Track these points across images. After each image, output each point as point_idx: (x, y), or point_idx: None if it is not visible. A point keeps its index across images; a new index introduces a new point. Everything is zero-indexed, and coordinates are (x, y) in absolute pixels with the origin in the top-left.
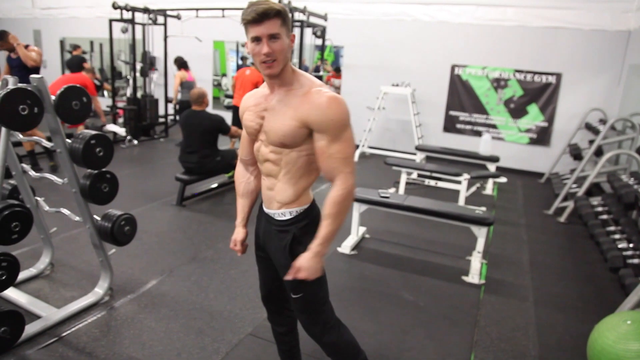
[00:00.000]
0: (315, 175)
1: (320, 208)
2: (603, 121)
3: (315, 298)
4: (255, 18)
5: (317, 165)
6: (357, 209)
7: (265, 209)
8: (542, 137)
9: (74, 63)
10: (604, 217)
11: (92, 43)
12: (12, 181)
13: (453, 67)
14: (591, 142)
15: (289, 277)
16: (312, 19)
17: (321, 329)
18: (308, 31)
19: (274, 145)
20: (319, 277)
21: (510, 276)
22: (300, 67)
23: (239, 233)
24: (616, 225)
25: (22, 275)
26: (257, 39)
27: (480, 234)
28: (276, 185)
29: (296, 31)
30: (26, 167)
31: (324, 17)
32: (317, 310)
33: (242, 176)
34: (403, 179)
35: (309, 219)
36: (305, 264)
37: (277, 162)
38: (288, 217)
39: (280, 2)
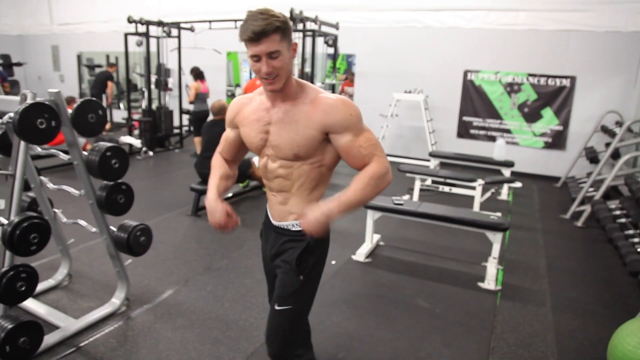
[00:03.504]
0: (325, 186)
1: None
2: (619, 123)
3: (301, 315)
4: (251, 37)
5: (327, 176)
6: (371, 216)
7: (275, 223)
8: (557, 141)
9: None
10: (622, 220)
11: (108, 57)
12: (31, 193)
13: (466, 73)
14: (607, 144)
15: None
16: (324, 28)
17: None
18: (320, 40)
19: (284, 159)
20: (315, 291)
21: (527, 282)
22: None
23: (221, 205)
24: (635, 229)
25: (41, 286)
26: (256, 57)
27: (496, 239)
28: (290, 199)
29: (308, 41)
30: (44, 179)
31: (336, 26)
32: (293, 331)
33: (222, 163)
34: (417, 185)
35: None
36: (310, 215)
37: (289, 177)
38: None
39: (291, 12)
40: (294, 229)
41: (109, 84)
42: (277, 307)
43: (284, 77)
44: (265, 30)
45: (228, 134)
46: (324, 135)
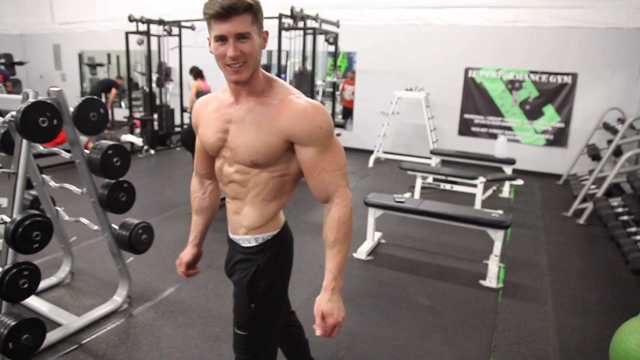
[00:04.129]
0: (287, 198)
1: (291, 231)
2: (621, 120)
3: (262, 342)
4: (219, 13)
5: (290, 186)
6: (373, 214)
7: (230, 235)
8: (559, 138)
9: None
10: (625, 218)
11: (109, 55)
12: (33, 192)
13: (467, 70)
14: (609, 142)
15: (318, 331)
16: (325, 26)
17: None
18: (321, 38)
19: (241, 165)
20: (276, 315)
21: (528, 279)
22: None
23: (186, 253)
24: (637, 226)
25: (43, 283)
26: (221, 38)
27: (497, 237)
28: (243, 209)
29: (308, 39)
30: (46, 177)
31: (337, 24)
32: (259, 357)
33: (196, 190)
34: (418, 183)
35: (276, 247)
36: (327, 309)
37: (244, 184)
38: (253, 244)
39: (292, 10)
40: (243, 244)
41: (113, 90)
42: (236, 329)
43: (252, 65)
44: (235, 7)
45: (197, 142)
46: (288, 144)
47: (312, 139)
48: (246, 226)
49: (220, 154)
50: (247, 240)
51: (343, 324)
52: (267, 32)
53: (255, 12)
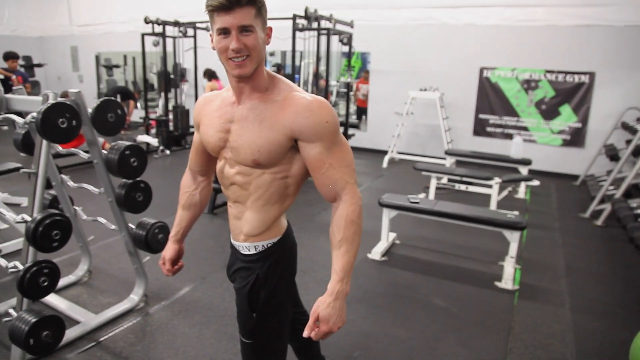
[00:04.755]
0: (289, 202)
1: (294, 237)
2: None
3: (268, 350)
4: (222, 4)
5: (292, 190)
6: (387, 215)
7: (231, 240)
8: (576, 139)
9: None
10: None
11: (125, 57)
12: (52, 191)
13: (482, 70)
14: (628, 142)
15: (306, 332)
16: (339, 27)
17: None
18: (335, 39)
19: (243, 165)
20: (281, 323)
21: (545, 281)
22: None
23: (168, 249)
24: None
25: (62, 282)
26: (224, 31)
27: (513, 238)
28: (244, 214)
29: (322, 39)
30: (65, 177)
31: (350, 24)
32: None
33: (187, 186)
34: (433, 184)
35: (278, 255)
36: (325, 315)
37: (246, 186)
38: (253, 251)
39: (306, 11)
40: (243, 252)
41: (132, 102)
42: (241, 337)
43: (256, 60)
44: None
45: (195, 138)
46: (292, 142)
47: (318, 133)
48: (245, 233)
49: (221, 154)
50: (247, 248)
51: (357, 323)
52: (270, 29)
53: (259, 6)
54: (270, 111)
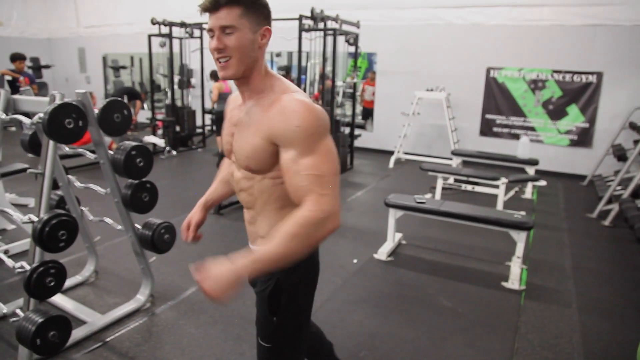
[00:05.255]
0: None
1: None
2: None
3: (286, 354)
4: (205, 6)
5: None
6: (393, 215)
7: (250, 244)
8: (583, 139)
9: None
10: None
11: (132, 58)
12: (59, 192)
13: (488, 70)
14: (636, 142)
15: (193, 269)
16: (345, 27)
17: None
18: (341, 39)
19: (244, 169)
20: (300, 327)
21: (552, 282)
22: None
23: (196, 212)
24: None
25: (69, 282)
26: (210, 32)
27: (520, 238)
28: (257, 219)
29: (329, 40)
30: (72, 178)
31: (357, 25)
32: None
33: (225, 167)
34: (439, 184)
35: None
36: (213, 270)
37: (251, 192)
38: None
39: (312, 11)
40: None
41: (138, 103)
42: (259, 340)
43: (240, 62)
44: None
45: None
46: (274, 147)
47: (288, 138)
48: (262, 236)
49: (231, 158)
50: None
51: (364, 324)
52: (268, 29)
53: (247, 6)
54: (257, 115)
